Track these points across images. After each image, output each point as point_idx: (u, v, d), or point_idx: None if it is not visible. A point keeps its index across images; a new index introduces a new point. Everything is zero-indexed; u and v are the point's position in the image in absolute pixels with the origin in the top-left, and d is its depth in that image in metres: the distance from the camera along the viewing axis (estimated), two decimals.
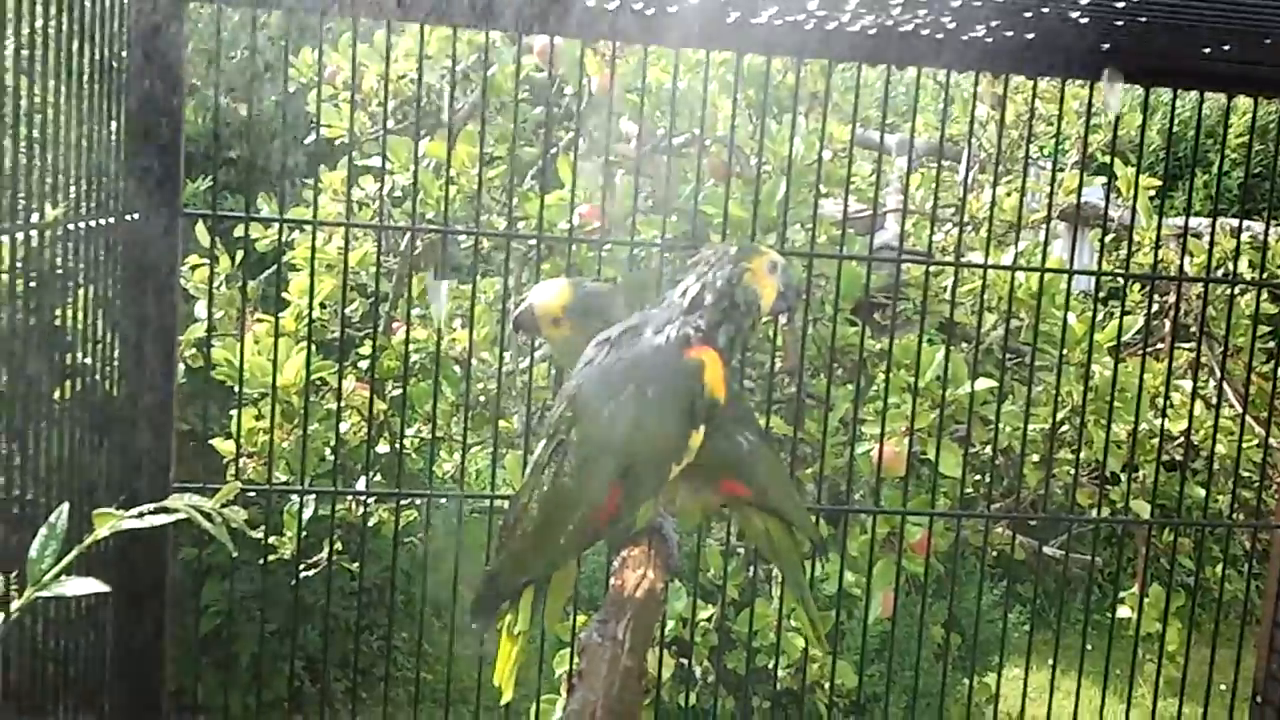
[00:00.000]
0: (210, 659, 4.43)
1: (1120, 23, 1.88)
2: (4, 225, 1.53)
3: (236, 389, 2.51)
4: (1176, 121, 3.32)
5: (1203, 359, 3.19)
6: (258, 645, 2.45)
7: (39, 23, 1.59)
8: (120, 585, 2.07)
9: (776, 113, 3.06)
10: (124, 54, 1.97)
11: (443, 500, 2.63)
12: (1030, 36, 2.06)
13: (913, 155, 2.84)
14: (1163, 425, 2.71)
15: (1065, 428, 2.94)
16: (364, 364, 2.91)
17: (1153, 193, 3.03)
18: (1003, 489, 3.19)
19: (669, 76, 2.70)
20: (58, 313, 1.78)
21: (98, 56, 1.85)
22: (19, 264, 1.58)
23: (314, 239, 2.40)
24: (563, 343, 1.98)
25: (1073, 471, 2.73)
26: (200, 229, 2.52)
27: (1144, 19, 1.85)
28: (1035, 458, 2.94)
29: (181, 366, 2.47)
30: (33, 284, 1.65)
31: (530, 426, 2.49)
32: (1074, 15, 1.83)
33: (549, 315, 1.96)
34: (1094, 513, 2.88)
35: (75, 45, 1.74)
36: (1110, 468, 2.77)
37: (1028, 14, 1.87)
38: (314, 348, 2.53)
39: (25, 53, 1.56)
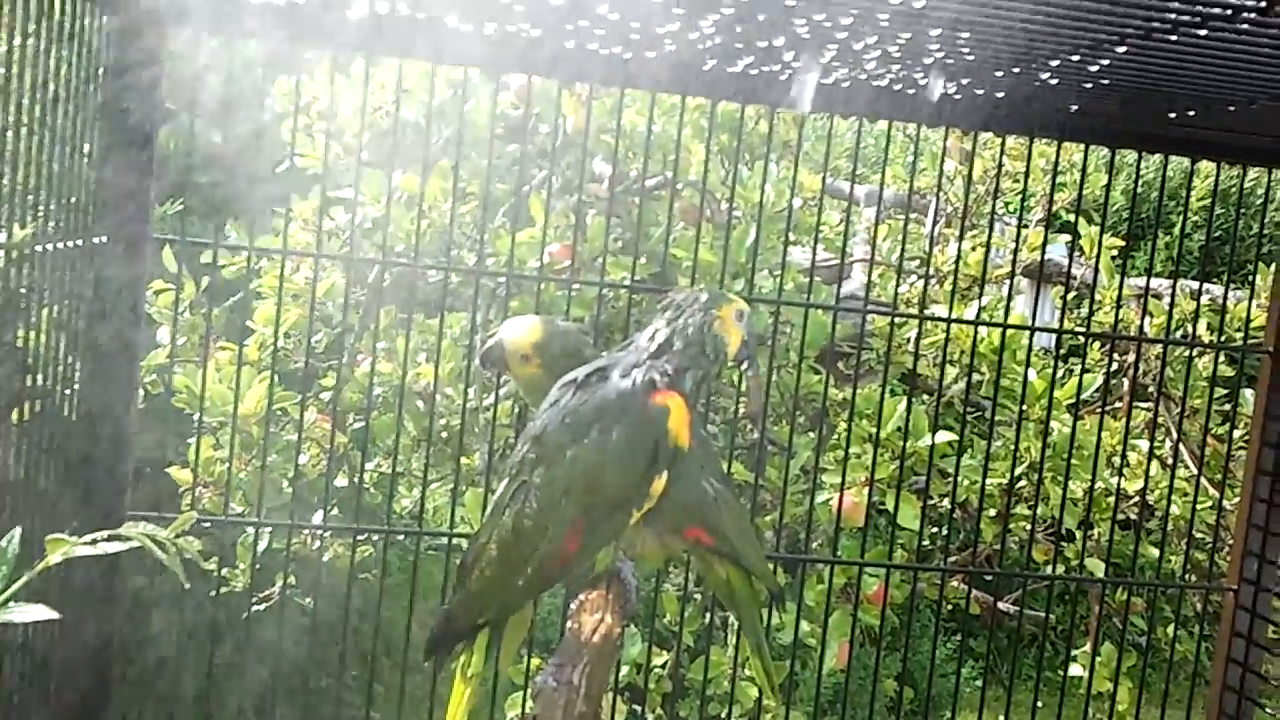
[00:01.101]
0: (156, 691, 4.34)
1: (1088, 85, 1.92)
2: None
3: (196, 417, 2.48)
4: (1140, 183, 3.38)
5: (1160, 419, 3.23)
6: (205, 679, 2.40)
7: (15, 41, 1.58)
8: (68, 613, 2.03)
9: (749, 159, 3.09)
10: (100, 75, 1.96)
11: (400, 536, 2.60)
12: (1000, 95, 2.10)
13: (881, 206, 2.87)
14: (1119, 484, 2.74)
15: (1023, 483, 2.96)
16: (326, 395, 2.88)
17: (1115, 252, 3.08)
18: (959, 543, 3.21)
19: (644, 119, 2.72)
20: (19, 334, 1.75)
21: (72, 78, 1.84)
22: None
23: (282, 268, 2.38)
24: (529, 380, 1.97)
25: (1029, 527, 2.74)
26: (167, 254, 2.50)
27: (1111, 83, 1.88)
28: (992, 512, 2.96)
29: (141, 392, 2.44)
30: None
31: (492, 464, 2.48)
32: (1044, 76, 1.87)
33: (518, 352, 1.96)
34: (1049, 569, 2.90)
35: (50, 66, 1.73)
36: (1066, 525, 2.79)
37: (999, 73, 1.90)
38: (276, 378, 2.51)
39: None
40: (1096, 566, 2.88)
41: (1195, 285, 3.37)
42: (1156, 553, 2.90)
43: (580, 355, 1.92)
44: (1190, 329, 3.12)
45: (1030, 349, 2.69)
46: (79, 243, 1.94)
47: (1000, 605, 3.34)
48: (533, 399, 1.98)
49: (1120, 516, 2.86)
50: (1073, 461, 2.66)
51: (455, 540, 2.46)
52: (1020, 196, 2.93)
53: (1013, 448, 2.72)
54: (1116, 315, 2.75)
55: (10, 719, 1.81)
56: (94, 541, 1.33)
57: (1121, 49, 1.62)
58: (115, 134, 2.02)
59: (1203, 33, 1.48)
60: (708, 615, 2.80)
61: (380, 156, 2.97)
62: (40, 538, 1.32)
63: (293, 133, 2.40)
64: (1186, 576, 2.99)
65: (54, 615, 1.34)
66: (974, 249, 3.30)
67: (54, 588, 1.88)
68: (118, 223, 2.06)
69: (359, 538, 2.63)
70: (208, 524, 2.40)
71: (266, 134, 2.83)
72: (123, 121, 2.02)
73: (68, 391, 1.98)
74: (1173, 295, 2.69)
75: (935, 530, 3.17)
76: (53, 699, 2.00)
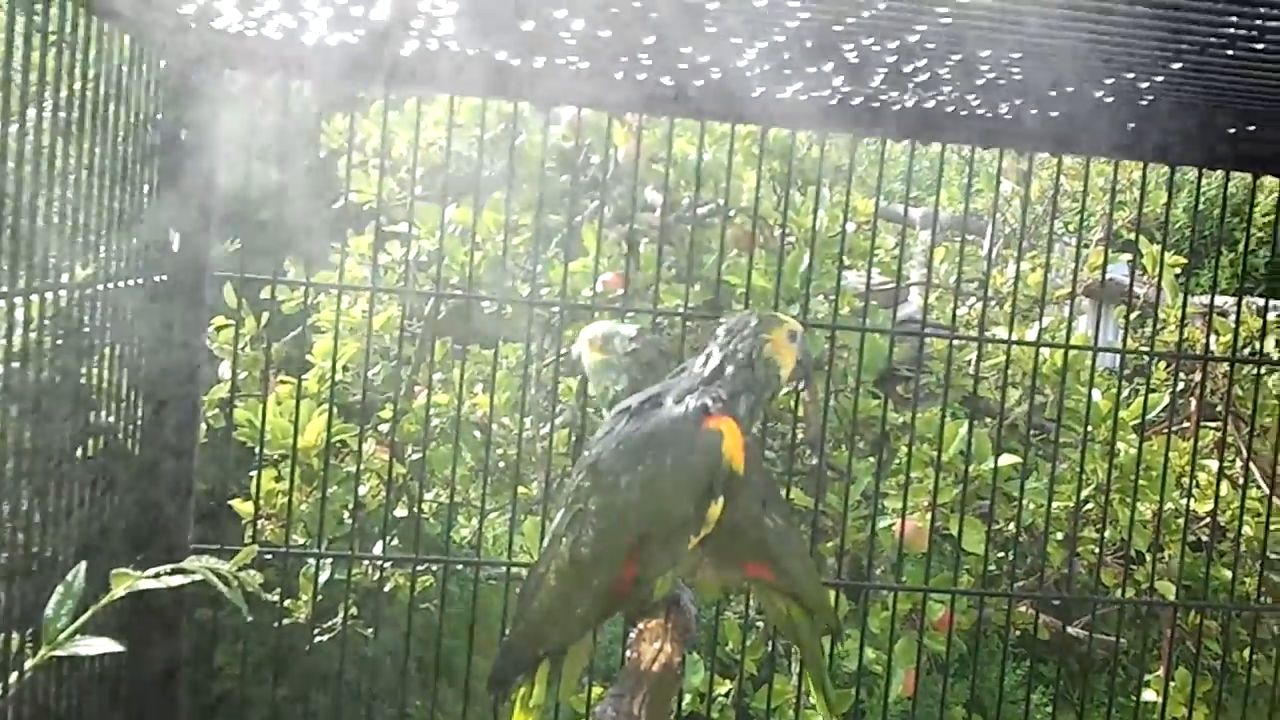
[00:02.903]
0: None
1: (1144, 103, 1.89)
2: (35, 285, 1.54)
3: (257, 450, 2.52)
4: (1202, 199, 3.31)
5: (1229, 439, 3.16)
6: (270, 709, 2.42)
7: (76, 85, 1.62)
8: (135, 646, 2.06)
9: (800, 184, 3.08)
10: (158, 116, 2.01)
11: (460, 566, 2.61)
12: (1054, 115, 2.07)
13: (936, 229, 2.84)
14: (1188, 505, 2.68)
15: (1090, 506, 2.90)
16: (384, 427, 2.91)
17: (1178, 270, 3.02)
18: (1026, 567, 3.15)
19: (694, 147, 2.73)
20: (83, 371, 1.79)
21: (131, 119, 1.88)
22: (47, 322, 1.59)
23: (339, 302, 2.42)
24: (593, 365, 2.04)
25: (1097, 550, 2.69)
26: (228, 290, 2.54)
27: (1168, 99, 1.85)
28: (1059, 536, 2.90)
29: (203, 426, 2.48)
30: (60, 343, 1.66)
31: (549, 493, 2.48)
32: (1098, 95, 1.84)
33: (589, 337, 2.04)
34: (1119, 593, 2.83)
35: (110, 108, 1.77)
36: (1135, 547, 2.73)
37: (1052, 93, 1.88)
38: (335, 410, 2.54)
39: (61, 114, 1.59)
40: (1168, 589, 2.81)
41: (1261, 302, 3.29)
42: (1229, 574, 2.82)
43: (643, 358, 1.98)
44: (1257, 346, 3.05)
45: (1093, 369, 2.64)
46: (140, 281, 1.98)
47: (1070, 630, 3.27)
48: (594, 382, 2.06)
49: (1191, 538, 2.79)
50: (1140, 483, 2.60)
51: (514, 569, 2.47)
52: (1079, 216, 2.89)
53: (1078, 470, 2.67)
54: (1181, 334, 2.69)
55: None
56: (158, 575, 1.35)
57: (1177, 65, 1.59)
58: (174, 174, 2.06)
59: (1260, 46, 1.45)
60: (770, 643, 2.77)
61: (434, 190, 3.00)
62: (106, 572, 1.35)
63: (347, 169, 2.43)
64: (1262, 599, 2.91)
65: (120, 648, 1.36)
66: (1033, 269, 3.26)
67: (120, 621, 1.91)
68: (178, 261, 2.10)
69: (419, 568, 2.64)
70: (269, 556, 2.43)
71: (322, 171, 2.88)
72: (181, 161, 2.06)
73: (131, 427, 2.02)
74: (1238, 312, 2.63)
75: (1001, 555, 3.11)
76: None
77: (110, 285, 1.85)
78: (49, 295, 1.60)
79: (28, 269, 1.51)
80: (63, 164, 1.61)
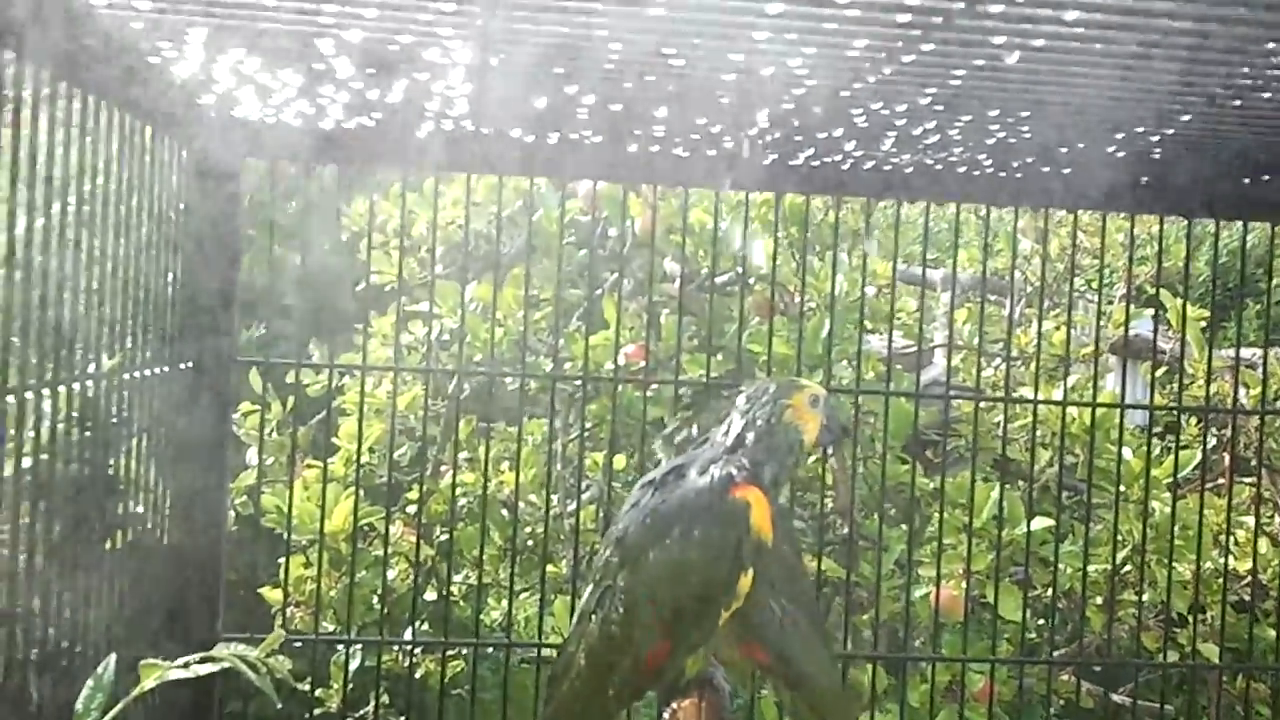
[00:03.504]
0: None
1: (1157, 156, 1.89)
2: (62, 376, 1.56)
3: (285, 536, 2.51)
4: (1223, 251, 3.30)
5: (1264, 493, 3.10)
6: None
7: (99, 179, 1.65)
8: None
9: (818, 250, 3.09)
10: (181, 205, 2.04)
11: (490, 649, 2.58)
12: (1066, 171, 2.08)
13: (956, 290, 2.84)
14: (1226, 563, 2.62)
15: (1127, 567, 2.84)
16: (411, 509, 2.90)
17: (1202, 324, 3.00)
18: (1066, 633, 3.09)
19: (710, 217, 2.74)
20: (111, 461, 1.80)
21: (154, 207, 1.91)
22: (74, 414, 1.60)
23: (363, 383, 2.43)
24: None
25: (1137, 613, 2.64)
26: (253, 376, 2.56)
27: (1181, 152, 1.85)
28: (1098, 600, 2.85)
29: (231, 514, 2.48)
30: (87, 433, 1.67)
31: (578, 571, 2.46)
32: (1110, 150, 1.85)
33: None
34: (1161, 657, 2.77)
35: (134, 198, 1.80)
36: (1175, 609, 2.68)
37: (1063, 149, 1.88)
38: (362, 493, 2.54)
39: (86, 207, 1.61)
40: (1211, 652, 2.74)
41: None
42: (1275, 634, 2.75)
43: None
44: None
45: (1122, 427, 2.61)
46: (166, 369, 1.99)
47: (1114, 697, 3.19)
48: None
49: (1232, 597, 2.73)
50: (1177, 542, 2.56)
51: (545, 651, 2.44)
52: (1099, 272, 2.88)
53: (1113, 531, 2.63)
54: (1208, 388, 2.66)
55: None
56: (187, 665, 1.34)
57: (1186, 117, 1.59)
58: (198, 262, 2.09)
59: (1267, 95, 1.45)
60: None
61: (454, 269, 3.03)
62: (135, 662, 1.34)
63: (368, 250, 2.46)
64: None
65: None
66: (1057, 328, 3.24)
67: (151, 714, 1.89)
68: (204, 348, 2.12)
69: (449, 652, 2.61)
70: (299, 643, 2.41)
71: (344, 253, 2.91)
72: (205, 249, 2.09)
73: (159, 516, 2.02)
74: (1264, 364, 2.60)
75: (1040, 621, 3.05)
76: None
77: (136, 374, 1.86)
78: (76, 386, 1.61)
79: (55, 360, 1.52)
80: (88, 255, 1.63)
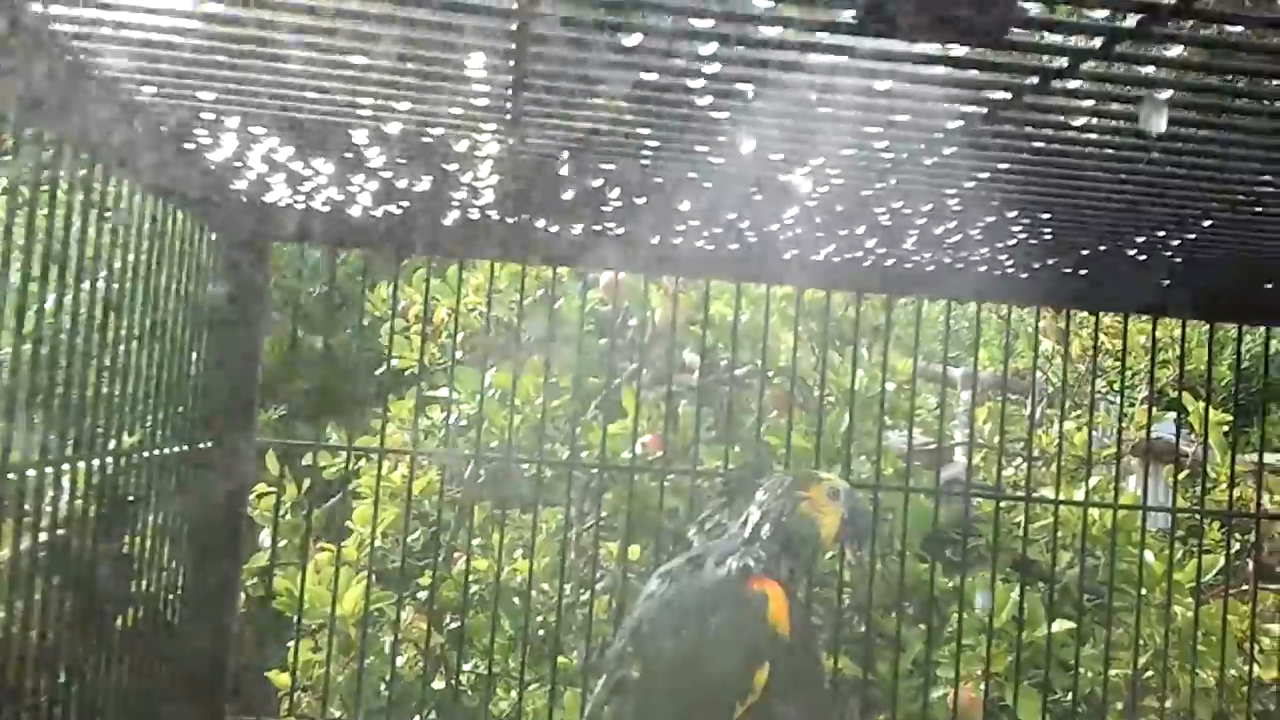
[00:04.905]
0: None
1: (1178, 260, 1.89)
2: (81, 453, 1.56)
3: (295, 620, 2.49)
4: (1246, 355, 3.29)
5: None
6: None
7: (129, 257, 1.67)
8: None
9: (838, 345, 3.09)
10: (208, 288, 2.06)
11: None
12: (1085, 274, 2.08)
13: (977, 389, 2.83)
14: (1251, 671, 2.57)
15: (1149, 673, 2.79)
16: (423, 594, 2.88)
17: (1225, 428, 2.97)
18: None
19: (730, 309, 2.76)
20: (125, 539, 1.79)
21: (180, 288, 1.93)
22: (92, 491, 1.61)
23: (379, 466, 2.43)
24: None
25: None
26: (270, 457, 2.56)
27: (1201, 256, 1.86)
28: (1119, 705, 2.79)
29: (243, 596, 2.46)
30: (104, 510, 1.67)
31: (589, 662, 2.43)
32: (1131, 253, 1.85)
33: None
34: None
35: (161, 279, 1.83)
36: (1199, 716, 2.61)
37: (1084, 252, 1.89)
38: (374, 577, 2.52)
39: (115, 286, 1.63)
40: None
41: None
42: None
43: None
44: None
45: (1144, 530, 2.58)
46: (184, 448, 2.00)
47: None
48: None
49: (1257, 707, 2.67)
50: (1200, 648, 2.51)
51: None
52: (1120, 374, 2.87)
53: (1135, 635, 2.58)
54: (1231, 493, 2.63)
55: None
56: None
57: (1207, 223, 1.60)
58: (222, 343, 2.11)
59: None
60: None
61: (474, 355, 3.04)
62: None
63: (389, 335, 2.48)
64: None
65: None
66: (1078, 429, 3.22)
67: None
68: (223, 429, 2.13)
69: None
70: None
71: (365, 338, 2.93)
72: (229, 332, 2.11)
73: (171, 596, 2.01)
74: None
75: None
76: None
77: (155, 452, 1.87)
78: (94, 463, 1.61)
79: (75, 436, 1.53)
80: (114, 334, 1.65)
